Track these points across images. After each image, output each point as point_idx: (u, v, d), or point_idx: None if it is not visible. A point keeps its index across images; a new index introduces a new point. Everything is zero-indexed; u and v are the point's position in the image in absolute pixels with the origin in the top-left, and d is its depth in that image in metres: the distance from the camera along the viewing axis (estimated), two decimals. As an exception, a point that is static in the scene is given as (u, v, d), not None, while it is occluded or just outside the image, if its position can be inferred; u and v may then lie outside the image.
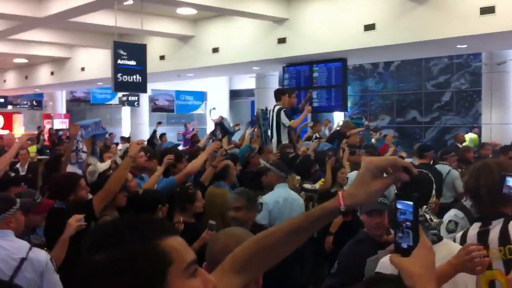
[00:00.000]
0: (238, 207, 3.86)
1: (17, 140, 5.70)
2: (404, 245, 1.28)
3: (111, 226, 1.13)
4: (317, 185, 5.96)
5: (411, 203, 1.27)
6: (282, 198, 5.01)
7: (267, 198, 5.02)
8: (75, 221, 3.56)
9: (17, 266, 2.97)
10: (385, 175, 1.35)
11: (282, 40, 11.46)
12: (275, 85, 14.60)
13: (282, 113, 8.17)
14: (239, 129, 9.17)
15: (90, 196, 4.26)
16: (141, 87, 9.81)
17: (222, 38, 12.76)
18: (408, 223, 1.27)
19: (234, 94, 22.27)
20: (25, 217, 3.45)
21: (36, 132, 4.82)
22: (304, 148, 7.14)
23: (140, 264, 1.05)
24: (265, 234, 1.47)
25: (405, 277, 1.24)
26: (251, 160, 6.52)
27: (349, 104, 14.00)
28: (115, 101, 22.74)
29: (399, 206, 1.29)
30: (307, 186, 5.85)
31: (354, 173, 6.02)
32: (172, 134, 19.29)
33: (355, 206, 1.38)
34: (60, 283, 3.14)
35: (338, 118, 14.09)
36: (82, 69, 17.31)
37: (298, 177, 5.89)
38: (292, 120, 8.25)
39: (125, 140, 15.79)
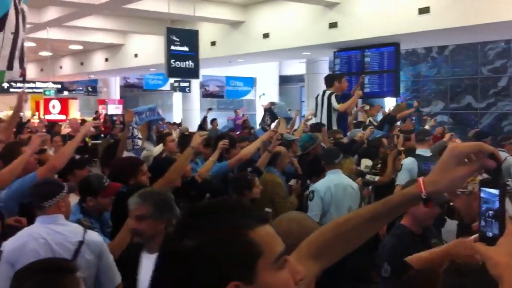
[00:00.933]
0: (141, 216, 2.88)
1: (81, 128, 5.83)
2: (490, 234, 1.23)
3: (202, 211, 1.11)
4: (376, 178, 5.89)
5: (496, 191, 1.22)
6: (333, 184, 4.94)
7: (318, 185, 4.98)
8: None
9: (76, 249, 2.99)
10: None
11: (333, 25, 11.34)
12: (326, 71, 14.48)
13: (333, 98, 8.07)
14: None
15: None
16: (193, 73, 9.93)
17: (272, 23, 12.74)
18: (491, 212, 1.22)
19: (284, 80, 22.21)
20: (95, 201, 3.55)
21: (98, 121, 4.94)
22: (361, 134, 7.00)
23: (230, 254, 1.03)
24: (342, 221, 1.46)
25: (490, 267, 1.19)
26: (312, 150, 6.36)
27: (401, 90, 13.72)
28: (166, 87, 23.08)
29: (482, 194, 1.24)
30: (368, 178, 5.78)
31: (409, 159, 5.89)
32: (222, 120, 19.45)
33: (438, 193, 1.33)
34: (114, 262, 3.16)
35: (389, 103, 13.87)
36: (136, 55, 17.63)
37: (368, 162, 5.84)
38: (341, 104, 8.06)
39: (174, 125, 16.00)
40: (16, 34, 3.93)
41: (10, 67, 3.91)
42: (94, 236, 3.12)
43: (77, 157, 5.08)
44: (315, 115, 8.41)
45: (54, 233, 3.02)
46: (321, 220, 4.79)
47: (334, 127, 8.01)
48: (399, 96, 13.16)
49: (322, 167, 5.29)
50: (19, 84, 21.03)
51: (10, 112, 23.72)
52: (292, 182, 5.44)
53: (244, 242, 1.04)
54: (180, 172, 4.32)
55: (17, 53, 3.95)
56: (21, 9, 3.97)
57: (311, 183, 5.32)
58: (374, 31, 10.64)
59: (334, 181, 4.99)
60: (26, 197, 3.99)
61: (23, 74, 4.44)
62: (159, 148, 6.03)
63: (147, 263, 2.85)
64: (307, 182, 5.52)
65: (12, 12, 3.97)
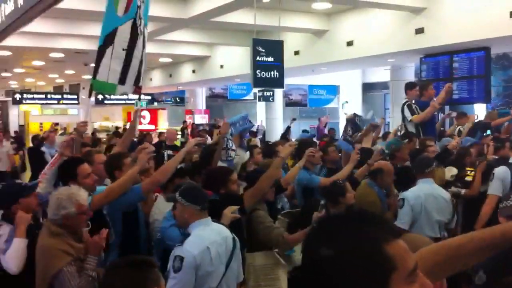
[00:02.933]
0: None
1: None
2: None
3: (339, 221, 1.12)
4: (462, 190, 5.77)
5: None
6: (424, 193, 4.90)
7: (408, 193, 4.94)
8: (230, 212, 3.72)
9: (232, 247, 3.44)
10: None
11: (419, 30, 11.15)
12: (411, 77, 14.22)
13: (405, 107, 7.85)
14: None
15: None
16: (278, 83, 10.09)
17: (356, 31, 12.71)
18: None
19: (368, 87, 21.97)
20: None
21: (204, 138, 5.14)
22: (455, 142, 6.77)
23: (365, 266, 1.02)
24: (456, 244, 1.46)
25: None
26: (397, 154, 6.31)
27: (491, 95, 13.21)
28: (250, 96, 23.50)
29: None
30: (453, 190, 5.68)
31: (502, 168, 5.69)
32: (304, 129, 19.52)
33: None
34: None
35: (479, 110, 13.39)
36: (221, 66, 18.12)
37: (453, 171, 5.74)
38: (415, 115, 7.67)
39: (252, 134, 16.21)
40: (130, 51, 4.22)
41: (122, 81, 4.18)
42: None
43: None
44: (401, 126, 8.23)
45: (220, 232, 3.41)
46: (410, 229, 4.77)
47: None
48: (490, 102, 12.69)
49: (409, 177, 5.27)
50: (130, 96, 22.18)
51: (105, 123, 25.00)
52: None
53: (380, 256, 1.04)
54: (270, 181, 4.44)
55: (131, 70, 4.23)
56: (142, 31, 4.26)
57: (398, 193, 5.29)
58: (463, 35, 10.36)
59: (425, 190, 4.94)
60: (130, 207, 4.30)
61: (138, 92, 4.72)
62: (246, 156, 6.20)
63: None
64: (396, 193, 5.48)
65: (126, 30, 4.28)
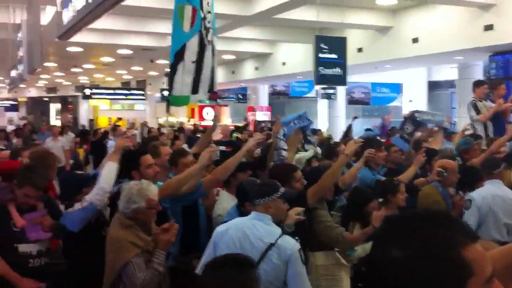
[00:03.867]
0: None
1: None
2: None
3: (411, 222, 1.07)
4: None
5: None
6: (491, 195, 4.76)
7: (475, 194, 4.82)
8: (295, 213, 3.66)
9: (265, 250, 3.11)
10: None
11: (488, 27, 10.77)
12: (479, 76, 13.76)
13: (471, 106, 7.59)
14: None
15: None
16: (341, 80, 10.04)
17: (422, 28, 12.42)
18: None
19: (433, 86, 21.41)
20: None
21: (263, 136, 5.14)
22: None
23: (440, 270, 0.98)
24: None
25: None
26: (466, 155, 6.11)
27: None
28: (312, 94, 23.41)
29: None
30: None
31: None
32: (368, 127, 19.24)
33: None
34: (306, 275, 3.18)
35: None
36: (283, 63, 18.16)
37: None
38: (481, 115, 7.38)
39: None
40: (199, 62, 4.35)
41: (194, 91, 4.31)
42: (288, 242, 3.17)
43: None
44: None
45: (254, 229, 3.22)
46: (477, 231, 4.64)
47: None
48: None
49: (475, 178, 5.11)
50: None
51: (170, 118, 25.40)
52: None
53: (457, 260, 0.99)
54: (333, 178, 4.39)
55: (203, 79, 4.34)
56: (209, 40, 4.37)
57: (464, 194, 5.14)
58: (536, 32, 9.94)
59: (492, 192, 4.80)
60: (189, 201, 4.38)
61: (213, 97, 4.86)
62: (310, 153, 6.17)
63: None
64: (459, 193, 5.33)
65: (194, 43, 4.41)
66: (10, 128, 26.37)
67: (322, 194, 4.40)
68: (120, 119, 13.62)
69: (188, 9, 4.46)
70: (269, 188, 3.39)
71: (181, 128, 17.34)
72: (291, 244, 3.17)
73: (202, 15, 4.56)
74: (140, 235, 3.41)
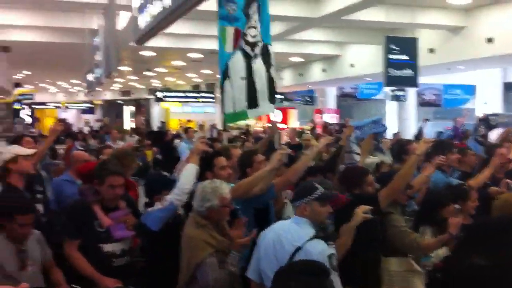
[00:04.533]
0: None
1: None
2: None
3: (495, 230, 0.99)
4: None
5: None
6: None
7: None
8: (362, 212, 3.65)
9: (292, 253, 3.09)
10: None
11: None
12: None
13: None
14: None
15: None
16: (412, 82, 9.87)
17: (497, 27, 11.99)
18: None
19: (509, 87, 20.53)
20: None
21: (333, 138, 5.12)
22: None
23: None
24: None
25: None
26: None
27: None
28: (380, 96, 23.04)
29: None
30: None
31: None
32: (440, 130, 18.74)
33: None
34: (339, 283, 3.08)
35: None
36: (352, 65, 18.00)
37: None
38: None
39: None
40: (249, 77, 4.43)
41: (253, 105, 4.40)
42: (315, 247, 3.11)
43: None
44: None
45: (288, 232, 3.24)
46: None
47: None
48: None
49: None
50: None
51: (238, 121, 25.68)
52: None
53: None
54: (405, 180, 4.29)
55: (260, 93, 4.42)
56: (256, 54, 4.45)
57: None
58: None
59: None
60: (261, 203, 4.41)
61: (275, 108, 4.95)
62: (378, 158, 6.08)
63: None
64: None
65: (237, 61, 4.51)
66: (86, 129, 27.59)
67: (395, 197, 4.32)
68: (190, 121, 13.88)
69: (230, 31, 4.57)
70: (304, 190, 3.37)
71: (247, 131, 17.54)
72: (318, 248, 3.09)
73: (243, 32, 4.65)
74: (213, 235, 3.50)
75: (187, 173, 3.96)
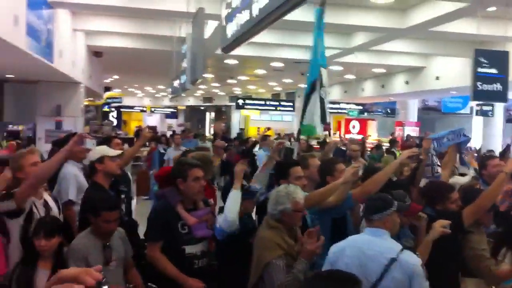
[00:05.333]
0: None
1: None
2: None
3: None
4: None
5: None
6: None
7: None
8: (440, 226, 3.60)
9: (387, 265, 3.07)
10: None
11: None
12: None
13: None
14: None
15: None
16: (501, 96, 9.49)
17: None
18: None
19: None
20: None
21: (417, 150, 4.94)
22: None
23: None
24: None
25: None
26: None
27: None
28: (466, 110, 22.26)
29: None
30: None
31: None
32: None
33: None
34: None
35: None
36: (437, 78, 17.51)
37: None
38: None
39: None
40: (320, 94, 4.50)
41: (323, 121, 4.45)
42: (409, 256, 3.13)
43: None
44: None
45: (372, 245, 3.22)
46: None
47: None
48: None
49: None
50: (342, 106, 22.77)
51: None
52: None
53: None
54: (492, 199, 4.16)
55: (315, 111, 4.48)
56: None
57: None
58: None
59: None
60: (338, 213, 4.43)
61: (327, 128, 4.94)
62: (467, 178, 5.87)
63: None
64: None
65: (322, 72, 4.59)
66: (168, 133, 28.49)
67: (479, 216, 4.18)
68: (268, 129, 13.95)
69: (320, 43, 4.65)
70: (385, 203, 3.35)
71: (324, 141, 17.45)
72: (413, 258, 3.11)
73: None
74: (285, 238, 3.54)
75: (231, 201, 4.04)
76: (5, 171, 4.28)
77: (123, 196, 5.34)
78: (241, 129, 33.15)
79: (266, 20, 4.54)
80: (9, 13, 8.43)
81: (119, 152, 4.92)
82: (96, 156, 4.67)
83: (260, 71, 21.74)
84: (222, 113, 40.73)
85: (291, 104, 27.32)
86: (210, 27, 11.92)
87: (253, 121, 32.28)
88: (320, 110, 4.41)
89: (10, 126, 15.98)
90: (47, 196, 4.31)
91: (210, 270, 4.04)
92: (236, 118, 36.65)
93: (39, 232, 3.57)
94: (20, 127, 16.26)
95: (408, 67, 18.48)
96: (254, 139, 14.18)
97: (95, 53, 17.56)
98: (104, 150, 4.79)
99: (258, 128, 29.68)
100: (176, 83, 15.30)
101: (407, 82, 19.69)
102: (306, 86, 4.82)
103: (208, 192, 4.61)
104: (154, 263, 3.93)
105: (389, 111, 26.22)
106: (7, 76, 15.52)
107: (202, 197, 4.19)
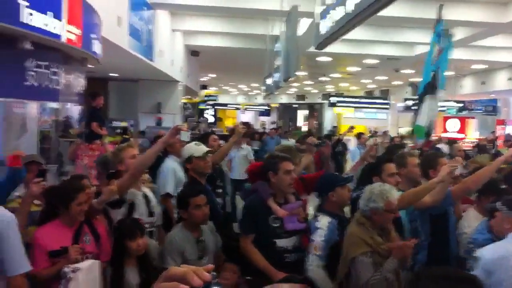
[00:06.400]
0: None
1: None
2: None
3: None
4: None
5: None
6: None
7: None
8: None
9: None
10: None
11: None
12: None
13: None
14: None
15: None
16: None
17: None
18: None
19: None
20: None
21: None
22: None
23: None
24: None
25: None
26: None
27: None
28: None
29: None
30: None
31: None
32: None
33: None
34: None
35: None
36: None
37: None
38: None
39: None
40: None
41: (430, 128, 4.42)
42: None
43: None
44: None
45: None
46: None
47: None
48: None
49: None
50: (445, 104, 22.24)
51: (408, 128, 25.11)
52: None
53: None
54: None
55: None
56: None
57: None
58: None
59: None
60: (439, 210, 4.33)
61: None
62: None
63: None
64: None
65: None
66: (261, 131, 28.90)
67: None
68: (352, 127, 13.69)
69: (436, 47, 4.62)
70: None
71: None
72: None
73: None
74: (373, 236, 3.53)
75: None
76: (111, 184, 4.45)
77: (219, 191, 5.48)
78: (333, 126, 32.96)
79: (361, 16, 4.59)
80: (113, 14, 9.01)
81: (205, 150, 4.89)
82: (185, 155, 4.85)
83: (353, 68, 21.54)
84: (314, 111, 40.70)
85: (385, 101, 26.81)
86: (303, 25, 12.03)
87: (346, 118, 31.96)
88: (431, 113, 4.40)
89: (114, 122, 16.85)
90: (145, 189, 4.54)
91: (303, 265, 3.98)
92: (329, 116, 36.48)
93: (135, 232, 3.67)
94: (123, 124, 17.13)
95: (511, 63, 17.55)
96: (337, 137, 14.04)
97: (193, 52, 18.20)
98: (191, 149, 4.87)
99: (349, 126, 29.31)
100: (269, 80, 15.57)
101: (510, 79, 18.70)
102: (400, 83, 4.86)
103: (299, 186, 4.66)
104: (246, 255, 4.02)
105: (489, 109, 25.00)
106: (111, 74, 16.46)
107: (293, 190, 4.23)
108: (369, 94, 30.73)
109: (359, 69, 21.37)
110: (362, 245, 3.47)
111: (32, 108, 7.91)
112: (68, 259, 3.46)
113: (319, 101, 36.72)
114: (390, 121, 30.22)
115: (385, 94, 28.72)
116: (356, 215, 3.73)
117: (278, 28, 12.15)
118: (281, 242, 4.01)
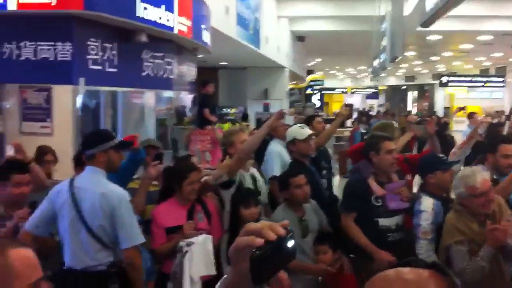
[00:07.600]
0: None
1: None
2: None
3: None
4: None
5: None
6: None
7: None
8: None
9: None
10: None
11: None
12: None
13: None
14: None
15: None
16: None
17: None
18: None
19: None
20: None
21: None
22: None
23: None
24: None
25: None
26: None
27: None
28: None
29: None
30: None
31: None
32: None
33: None
34: None
35: None
36: None
37: None
38: None
39: None
40: None
41: None
42: None
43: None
44: None
45: None
46: None
47: None
48: None
49: None
50: None
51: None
52: None
53: None
54: None
55: None
56: None
57: None
58: None
59: None
60: None
61: None
62: None
63: None
64: None
65: None
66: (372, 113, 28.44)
67: None
68: (462, 108, 13.04)
69: None
70: None
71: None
72: None
73: None
74: (469, 224, 3.41)
75: None
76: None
77: (324, 172, 5.58)
78: (445, 108, 31.61)
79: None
80: (221, 4, 9.36)
81: (308, 133, 4.94)
82: (289, 138, 4.99)
83: (466, 46, 20.52)
84: (425, 92, 39.26)
85: (501, 79, 25.28)
86: (409, 4, 11.74)
87: (458, 99, 30.54)
88: None
89: (224, 109, 17.41)
90: (253, 170, 4.77)
91: (406, 245, 3.95)
92: (440, 97, 35.01)
93: (249, 201, 3.84)
94: (232, 110, 17.65)
95: None
96: (445, 120, 13.52)
97: (298, 38, 18.33)
98: (295, 132, 4.99)
99: (463, 107, 27.87)
100: (375, 62, 15.35)
101: None
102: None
103: (403, 165, 4.64)
104: (347, 232, 4.07)
105: None
106: (220, 63, 17.03)
107: (396, 169, 4.22)
108: (484, 72, 29.09)
109: (472, 46, 20.35)
110: (456, 233, 3.38)
111: (150, 97, 8.41)
112: (183, 234, 3.75)
113: (430, 81, 35.35)
114: (507, 100, 28.49)
115: (502, 72, 27.05)
116: (454, 202, 3.65)
117: (384, 9, 11.95)
118: (384, 221, 4.02)
